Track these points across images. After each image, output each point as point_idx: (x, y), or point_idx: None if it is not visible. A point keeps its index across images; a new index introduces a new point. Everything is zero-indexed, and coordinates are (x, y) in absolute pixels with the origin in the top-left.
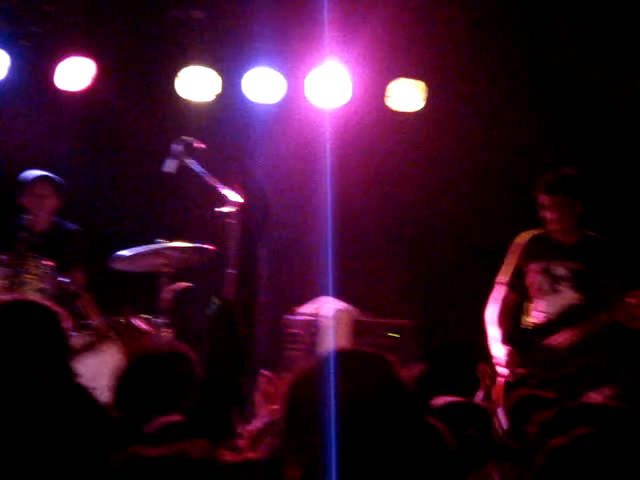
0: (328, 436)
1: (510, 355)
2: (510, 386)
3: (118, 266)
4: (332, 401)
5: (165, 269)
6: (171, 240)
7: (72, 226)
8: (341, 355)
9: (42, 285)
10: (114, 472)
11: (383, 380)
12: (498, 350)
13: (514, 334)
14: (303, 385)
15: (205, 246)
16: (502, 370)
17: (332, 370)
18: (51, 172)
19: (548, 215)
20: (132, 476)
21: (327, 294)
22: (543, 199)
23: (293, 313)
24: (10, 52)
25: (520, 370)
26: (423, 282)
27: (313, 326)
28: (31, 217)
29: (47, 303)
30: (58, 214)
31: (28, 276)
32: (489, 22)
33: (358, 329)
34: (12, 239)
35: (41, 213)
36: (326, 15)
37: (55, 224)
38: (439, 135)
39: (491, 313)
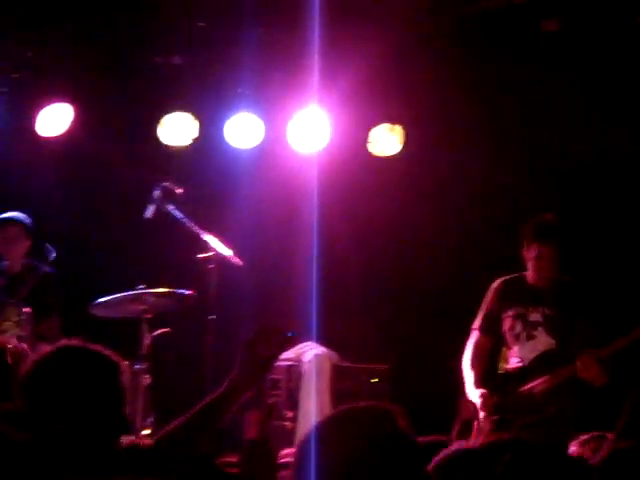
0: None
1: (483, 397)
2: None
3: (98, 312)
4: (336, 463)
5: (145, 315)
6: (152, 286)
7: (46, 268)
8: (342, 414)
9: (20, 332)
10: None
11: (385, 434)
12: (472, 394)
13: (489, 379)
14: (304, 450)
15: (184, 291)
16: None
17: (332, 431)
18: (30, 218)
19: (537, 263)
20: None
21: (310, 339)
22: (534, 247)
23: None
24: None
25: (494, 415)
26: (403, 326)
27: (294, 372)
28: (6, 262)
29: (107, 352)
30: (30, 255)
31: (7, 323)
32: (466, 65)
33: (337, 374)
34: None
35: (12, 255)
36: (308, 61)
37: (28, 265)
38: (417, 178)
39: (465, 358)
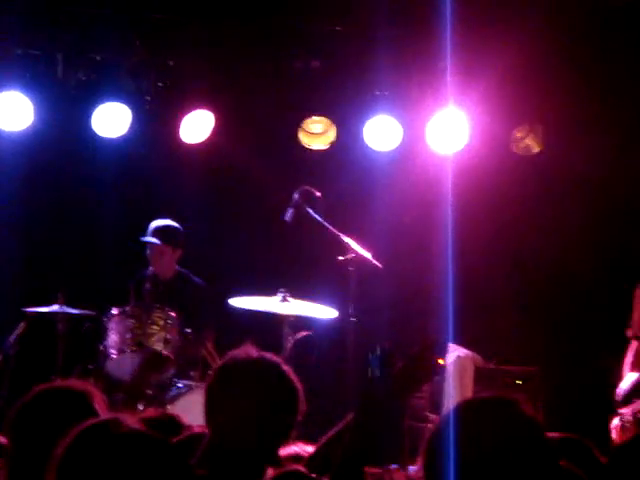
0: None
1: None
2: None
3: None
4: (463, 454)
5: (287, 317)
6: (293, 291)
7: (198, 280)
8: (465, 407)
9: (167, 336)
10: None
11: (513, 424)
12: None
13: None
14: (435, 442)
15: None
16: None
17: (459, 424)
18: (174, 222)
19: None
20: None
21: (449, 341)
22: None
23: None
24: (132, 107)
25: None
26: (546, 329)
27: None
28: (154, 268)
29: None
30: (182, 264)
31: (154, 327)
32: (603, 67)
33: (481, 376)
34: (137, 290)
35: (162, 265)
36: (444, 61)
37: (179, 274)
38: (558, 177)
39: (625, 365)
